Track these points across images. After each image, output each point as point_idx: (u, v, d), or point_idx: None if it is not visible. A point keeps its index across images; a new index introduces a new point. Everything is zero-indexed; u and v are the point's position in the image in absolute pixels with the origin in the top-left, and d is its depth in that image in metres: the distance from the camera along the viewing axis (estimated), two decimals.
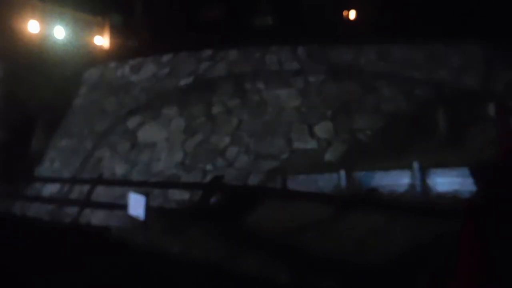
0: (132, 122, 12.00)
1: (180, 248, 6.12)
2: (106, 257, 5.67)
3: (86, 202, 9.78)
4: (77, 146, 12.52)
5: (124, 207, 7.54)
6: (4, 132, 12.72)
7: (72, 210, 10.08)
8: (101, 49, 15.02)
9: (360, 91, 10.64)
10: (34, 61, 12.72)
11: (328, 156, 9.76)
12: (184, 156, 10.71)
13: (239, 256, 5.53)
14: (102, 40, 15.16)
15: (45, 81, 12.84)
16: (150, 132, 11.58)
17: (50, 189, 11.72)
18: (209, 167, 10.26)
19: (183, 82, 12.07)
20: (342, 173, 7.87)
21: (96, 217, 9.87)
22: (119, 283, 4.86)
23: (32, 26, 13.25)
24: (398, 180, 7.41)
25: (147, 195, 7.12)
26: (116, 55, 14.36)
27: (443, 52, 11.12)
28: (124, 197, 8.34)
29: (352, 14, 16.11)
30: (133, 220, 7.08)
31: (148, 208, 6.87)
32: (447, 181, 6.96)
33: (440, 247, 4.49)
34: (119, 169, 11.27)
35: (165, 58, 12.87)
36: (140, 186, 9.78)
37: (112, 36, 15.31)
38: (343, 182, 7.82)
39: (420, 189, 7.17)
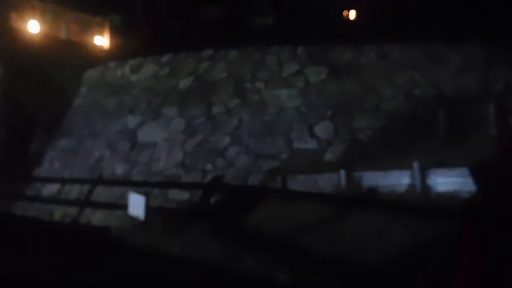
0: (132, 122, 12.00)
1: (180, 248, 6.13)
2: (106, 257, 5.66)
3: (86, 202, 9.78)
4: (77, 146, 12.52)
5: (124, 207, 7.55)
6: (4, 132, 12.70)
7: (72, 210, 10.08)
8: (101, 49, 14.99)
9: (360, 91, 10.63)
10: (34, 61, 12.69)
11: (328, 156, 9.75)
12: (184, 156, 10.71)
13: (239, 256, 5.53)
14: (102, 40, 15.13)
15: (45, 81, 12.82)
16: (150, 132, 11.58)
17: (50, 189, 11.72)
18: (209, 167, 10.26)
19: (183, 82, 12.07)
20: (342, 173, 7.88)
21: (96, 217, 9.87)
22: (119, 283, 4.85)
23: (32, 26, 13.23)
24: (398, 180, 7.42)
25: (147, 195, 7.13)
26: (116, 55, 14.34)
27: (443, 52, 11.11)
28: (124, 197, 8.35)
29: (352, 14, 16.09)
30: (133, 220, 7.09)
31: (148, 208, 6.88)
32: (447, 181, 6.96)
33: (440, 247, 4.50)
34: (119, 169, 11.27)
35: (165, 58, 12.87)
36: (140, 186, 9.79)
37: (112, 36, 15.28)
38: (343, 182, 7.82)
39: (420, 189, 7.18)
